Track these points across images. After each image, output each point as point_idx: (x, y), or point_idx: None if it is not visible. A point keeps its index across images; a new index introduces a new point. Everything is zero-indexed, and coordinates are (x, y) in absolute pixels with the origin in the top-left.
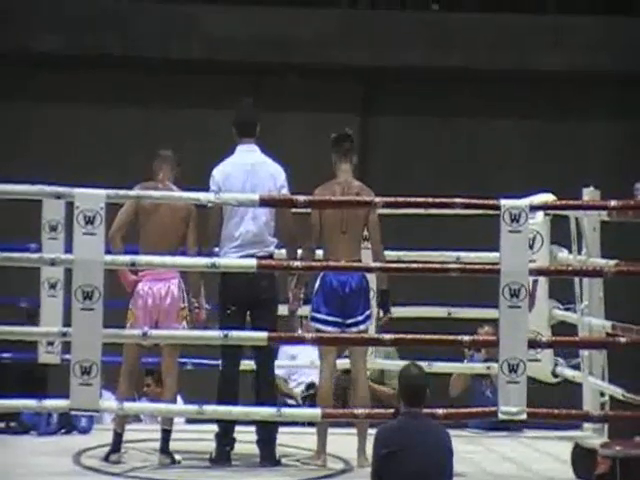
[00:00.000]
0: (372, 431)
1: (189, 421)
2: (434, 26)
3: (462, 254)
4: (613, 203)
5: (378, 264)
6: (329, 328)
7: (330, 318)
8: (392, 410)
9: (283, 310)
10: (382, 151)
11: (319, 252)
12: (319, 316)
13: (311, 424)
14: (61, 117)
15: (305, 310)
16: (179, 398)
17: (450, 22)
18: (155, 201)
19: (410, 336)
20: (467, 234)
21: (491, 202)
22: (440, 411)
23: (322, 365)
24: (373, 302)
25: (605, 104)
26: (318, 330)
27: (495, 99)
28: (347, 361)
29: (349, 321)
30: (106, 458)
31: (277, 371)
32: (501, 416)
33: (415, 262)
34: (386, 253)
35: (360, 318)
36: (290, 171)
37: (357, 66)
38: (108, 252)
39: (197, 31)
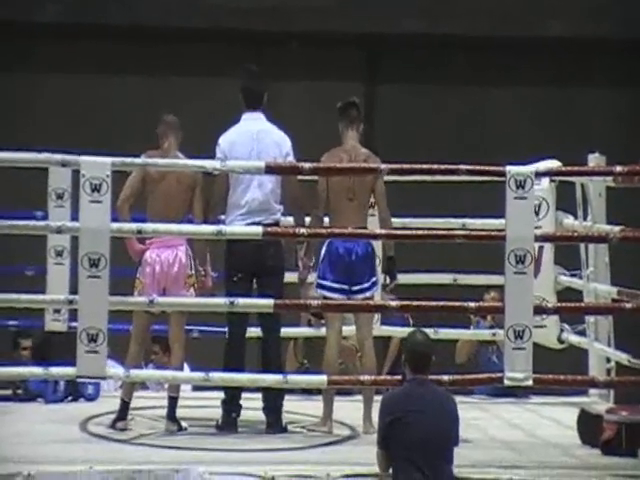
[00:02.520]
0: (378, 398)
1: (196, 388)
2: None
3: (468, 221)
4: (619, 169)
5: (384, 231)
6: (335, 295)
7: (336, 285)
8: (398, 377)
9: (290, 278)
10: (385, 119)
11: (327, 220)
12: (325, 283)
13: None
14: (63, 87)
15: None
16: (185, 365)
17: None
18: (161, 169)
19: (416, 303)
20: (472, 201)
21: (496, 169)
22: (446, 377)
23: (328, 332)
24: (379, 269)
25: (609, 71)
26: (324, 297)
27: (499, 66)
28: (353, 328)
29: (355, 288)
30: (113, 425)
31: None
32: (507, 382)
33: (421, 229)
34: (392, 220)
35: (366, 285)
36: (292, 140)
37: (359, 34)
38: (114, 220)
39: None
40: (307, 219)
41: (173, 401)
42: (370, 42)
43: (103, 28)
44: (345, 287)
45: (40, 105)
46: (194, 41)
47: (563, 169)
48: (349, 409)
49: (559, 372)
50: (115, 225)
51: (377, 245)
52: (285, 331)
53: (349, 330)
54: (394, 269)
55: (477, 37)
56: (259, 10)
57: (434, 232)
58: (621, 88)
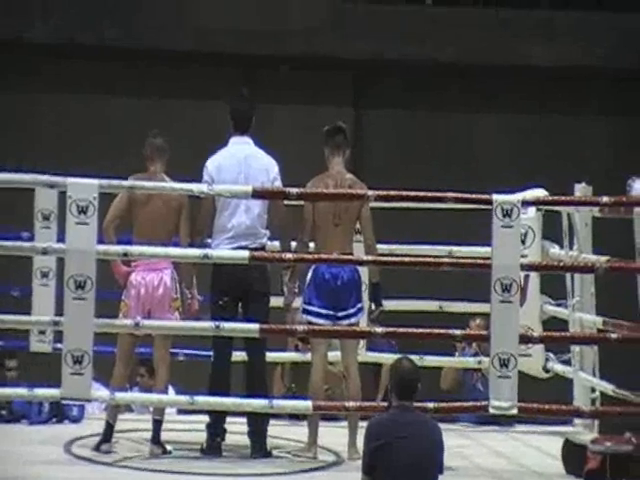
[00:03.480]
0: (363, 424)
1: (180, 411)
2: (428, 19)
3: (454, 248)
4: (605, 199)
5: (370, 257)
6: (321, 320)
7: (322, 310)
8: (384, 403)
9: (276, 302)
10: (375, 144)
11: (312, 245)
12: (311, 308)
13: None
14: (56, 106)
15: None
16: (171, 388)
17: (443, 16)
18: (148, 192)
19: (402, 329)
20: (459, 229)
21: (483, 197)
22: (431, 405)
23: (313, 357)
24: (365, 295)
25: (599, 100)
26: (310, 322)
27: (489, 93)
28: (338, 354)
29: (341, 314)
30: (97, 448)
31: None
32: (492, 410)
33: (407, 256)
34: (378, 246)
35: (352, 311)
36: (282, 164)
37: (350, 58)
38: (101, 242)
39: (189, 22)
40: (293, 244)
41: (158, 424)
42: (360, 67)
43: (96, 49)
44: (331, 313)
45: (34, 123)
46: (185, 63)
47: (550, 198)
48: (334, 435)
49: (544, 401)
50: (101, 247)
51: (363, 271)
52: (272, 356)
53: (335, 356)
54: (380, 295)
55: (467, 64)
56: (250, 33)
57: (420, 259)
58: (610, 116)
